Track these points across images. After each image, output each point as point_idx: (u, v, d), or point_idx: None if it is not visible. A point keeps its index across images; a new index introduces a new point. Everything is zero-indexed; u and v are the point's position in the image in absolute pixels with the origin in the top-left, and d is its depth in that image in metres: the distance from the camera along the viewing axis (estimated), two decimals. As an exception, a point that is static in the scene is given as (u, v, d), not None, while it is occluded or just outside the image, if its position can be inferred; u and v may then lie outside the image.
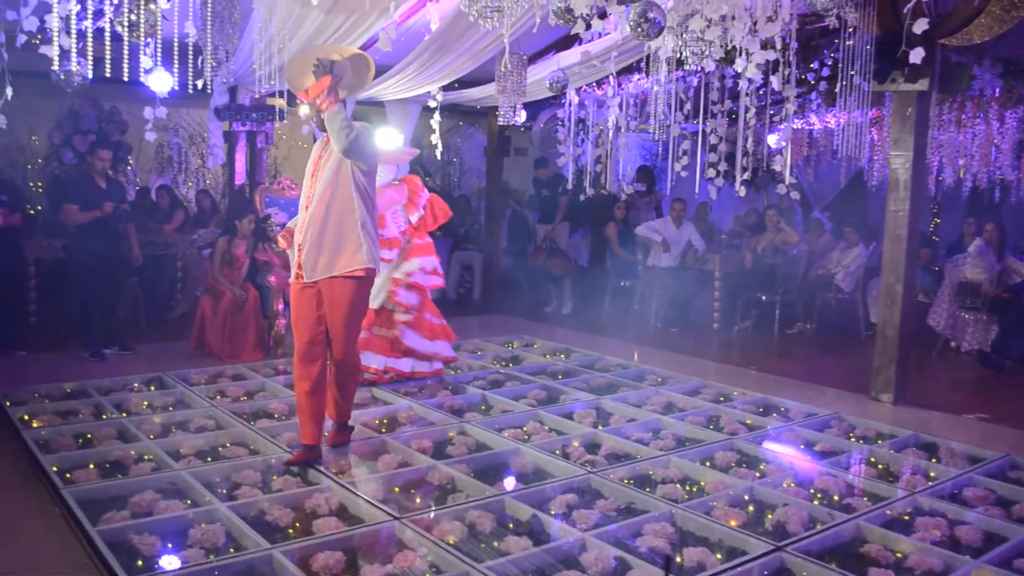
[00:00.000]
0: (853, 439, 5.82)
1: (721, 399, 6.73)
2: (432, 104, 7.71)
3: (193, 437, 5.28)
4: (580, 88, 9.19)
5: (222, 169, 10.58)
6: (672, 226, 10.22)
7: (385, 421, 5.87)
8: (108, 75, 4.97)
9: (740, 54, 5.53)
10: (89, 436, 5.28)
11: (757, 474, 4.99)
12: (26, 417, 5.59)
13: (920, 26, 5.45)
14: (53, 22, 4.42)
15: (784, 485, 4.80)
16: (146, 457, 4.93)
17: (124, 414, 5.77)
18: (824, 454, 5.46)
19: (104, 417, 5.71)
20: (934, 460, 5.43)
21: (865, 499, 4.67)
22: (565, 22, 5.04)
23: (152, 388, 6.51)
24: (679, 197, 10.28)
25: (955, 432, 6.04)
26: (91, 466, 4.78)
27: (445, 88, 8.41)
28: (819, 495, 4.72)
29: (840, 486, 4.80)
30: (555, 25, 4.74)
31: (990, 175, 9.93)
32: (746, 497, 4.61)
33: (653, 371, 7.55)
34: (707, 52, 5.21)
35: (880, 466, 5.29)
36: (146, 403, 6.04)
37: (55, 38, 4.45)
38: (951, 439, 5.79)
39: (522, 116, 7.51)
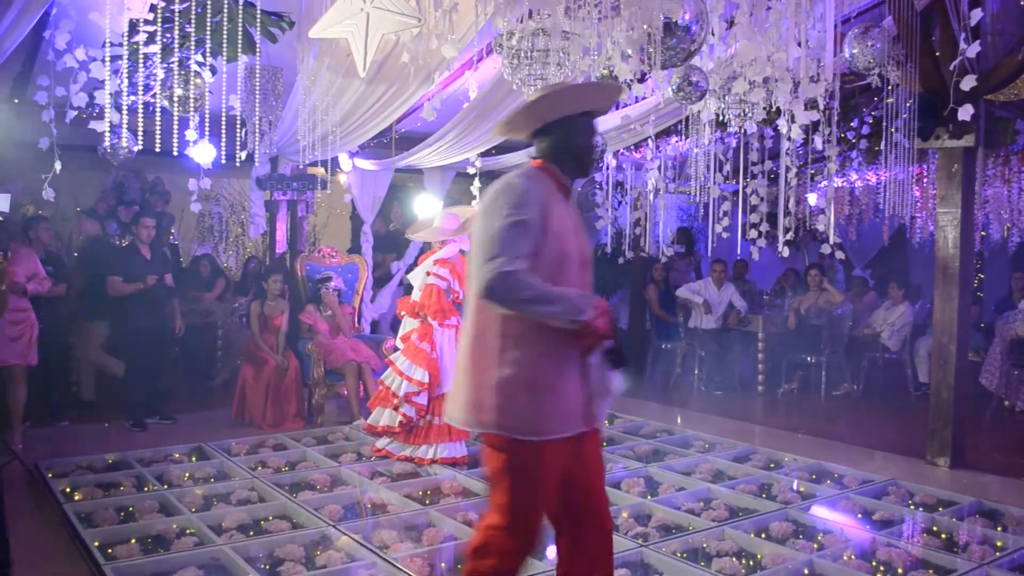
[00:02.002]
0: (912, 506, 5.61)
1: (772, 465, 6.54)
2: (471, 171, 7.74)
3: (235, 510, 5.20)
4: (618, 151, 9.19)
5: (263, 238, 10.68)
6: (713, 287, 10.11)
7: (429, 492, 5.76)
8: (156, 149, 5.04)
9: (782, 115, 5.50)
10: (131, 509, 5.23)
11: (815, 546, 4.80)
12: (68, 489, 5.56)
13: (968, 83, 5.40)
14: (104, 98, 4.49)
15: (844, 558, 4.62)
16: (188, 531, 4.86)
17: (166, 486, 5.72)
18: (883, 523, 5.26)
19: (146, 489, 5.66)
20: (999, 528, 5.21)
21: (930, 571, 4.47)
22: (607, 87, 5.05)
23: (193, 459, 6.47)
24: (719, 258, 10.19)
25: (1017, 497, 5.80)
26: (133, 540, 4.71)
27: (483, 154, 8.44)
28: (882, 568, 4.52)
29: (904, 557, 4.60)
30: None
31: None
32: (806, 571, 4.42)
33: (700, 436, 7.38)
34: (750, 114, 5.18)
35: (943, 536, 5.07)
36: (187, 474, 5.99)
37: (107, 113, 4.52)
38: (1014, 505, 5.56)
39: (561, 180, 7.48)
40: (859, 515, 5.38)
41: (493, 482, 2.99)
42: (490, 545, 2.94)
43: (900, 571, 4.48)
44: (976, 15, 5.46)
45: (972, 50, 5.49)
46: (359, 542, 4.68)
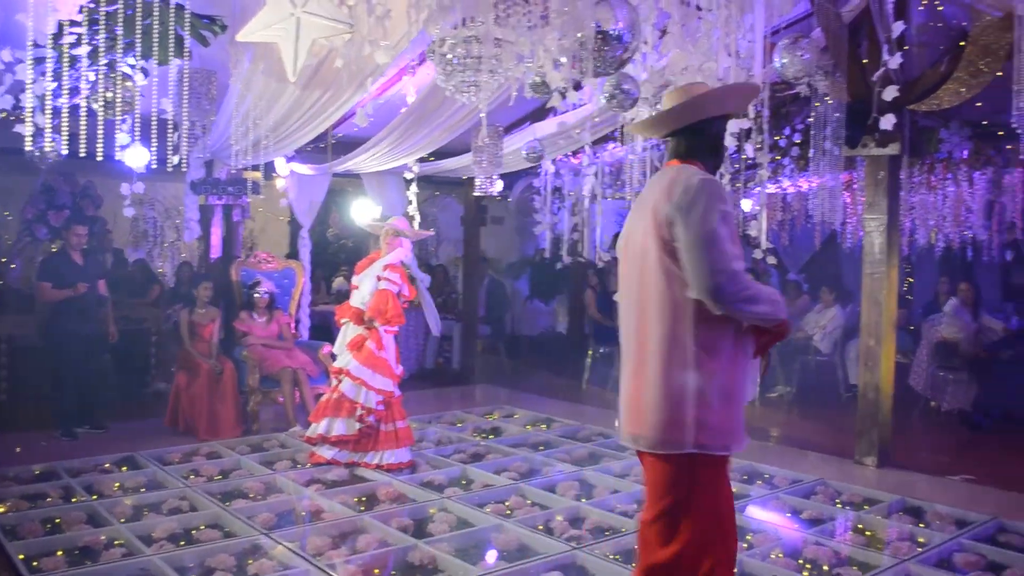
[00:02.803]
0: (840, 505, 5.74)
1: (705, 467, 6.64)
2: (408, 176, 7.74)
3: (166, 520, 5.12)
4: (556, 157, 9.26)
5: (198, 243, 10.52)
6: (650, 292, 10.21)
7: (364, 499, 5.73)
8: (83, 153, 4.94)
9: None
10: (58, 521, 5.12)
11: (745, 545, 4.89)
12: (-8, 502, 5.43)
13: (890, 93, 5.56)
14: (27, 100, 4.40)
15: (772, 556, 4.72)
16: (117, 542, 4.77)
17: (94, 496, 5.60)
18: (811, 522, 5.38)
19: (74, 500, 5.54)
20: (922, 525, 5.37)
21: (854, 568, 4.59)
22: (541, 95, 5.10)
23: (124, 468, 6.35)
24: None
25: (941, 495, 5.99)
26: (60, 553, 4.63)
27: (421, 159, 8.44)
28: (808, 565, 4.63)
29: (829, 555, 4.72)
30: (531, 97, 4.78)
31: (961, 235, 10.05)
32: (735, 570, 4.50)
33: (636, 439, 7.45)
34: (681, 122, 5.25)
35: (868, 533, 5.21)
36: (117, 484, 5.88)
37: (27, 116, 4.42)
38: (937, 502, 5.74)
39: (499, 186, 7.54)
40: (788, 514, 5.50)
41: (685, 505, 2.88)
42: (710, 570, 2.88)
43: (826, 568, 4.60)
44: (898, 27, 5.62)
45: (894, 61, 5.66)
46: (292, 550, 4.65)
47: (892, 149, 6.64)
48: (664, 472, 2.92)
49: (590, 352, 10.64)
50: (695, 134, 3.06)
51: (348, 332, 6.58)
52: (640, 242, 2.93)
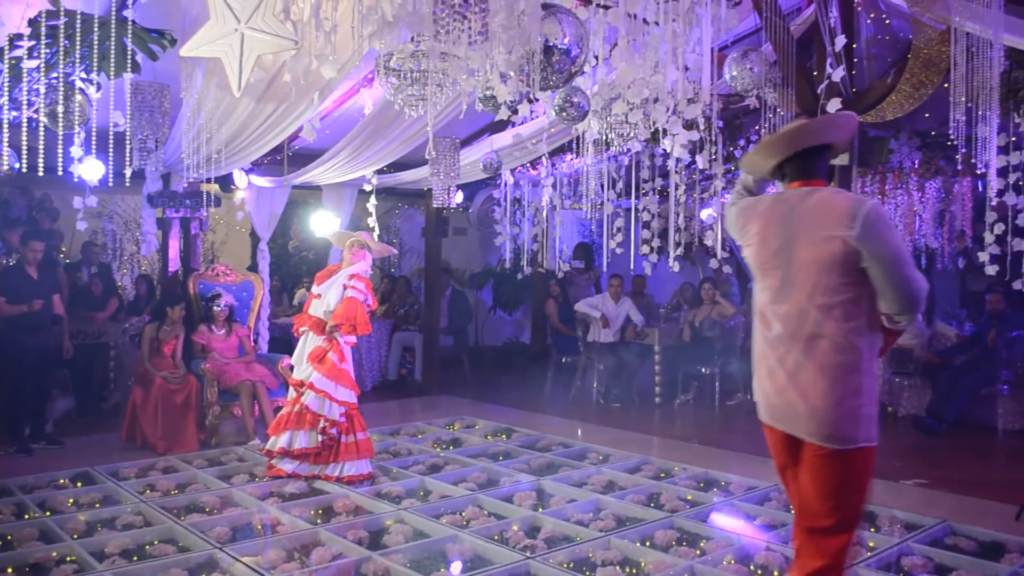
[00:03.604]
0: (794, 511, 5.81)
1: (662, 475, 6.71)
2: (367, 188, 7.75)
3: (119, 535, 5.08)
4: (515, 168, 9.32)
5: (157, 255, 10.46)
6: (610, 302, 10.30)
7: (320, 511, 5.73)
8: (40, 165, 4.91)
9: (665, 135, 5.68)
10: (9, 537, 5.07)
11: (697, 552, 4.96)
12: (-58, 520, 5.36)
13: (833, 105, 5.67)
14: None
15: (724, 563, 4.78)
16: (68, 558, 4.73)
17: (48, 513, 5.55)
18: (766, 528, 5.45)
19: (26, 516, 5.48)
20: (873, 529, 5.46)
21: (805, 573, 4.65)
22: (491, 109, 5.15)
23: (79, 484, 6.29)
24: (616, 273, 10.40)
25: (894, 499, 6.08)
26: (10, 570, 4.58)
27: (380, 172, 8.46)
28: (760, 571, 4.70)
29: (780, 560, 4.79)
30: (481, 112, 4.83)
31: (914, 243, 10.23)
32: (686, 576, 4.56)
33: (594, 449, 7.52)
34: (632, 134, 5.34)
35: (819, 538, 5.28)
36: (72, 500, 5.83)
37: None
38: (890, 506, 5.82)
39: (459, 197, 7.59)
40: (742, 521, 5.56)
41: (850, 491, 3.19)
42: (847, 551, 3.22)
43: (776, 574, 4.66)
44: (840, 41, 5.74)
45: (837, 74, 5.78)
46: (246, 564, 4.64)
47: (842, 160, 6.74)
48: (839, 467, 3.17)
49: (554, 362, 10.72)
50: (818, 157, 3.35)
51: (308, 342, 6.57)
52: (807, 256, 3.17)
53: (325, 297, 6.53)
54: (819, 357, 3.13)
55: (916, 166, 8.79)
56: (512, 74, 4.37)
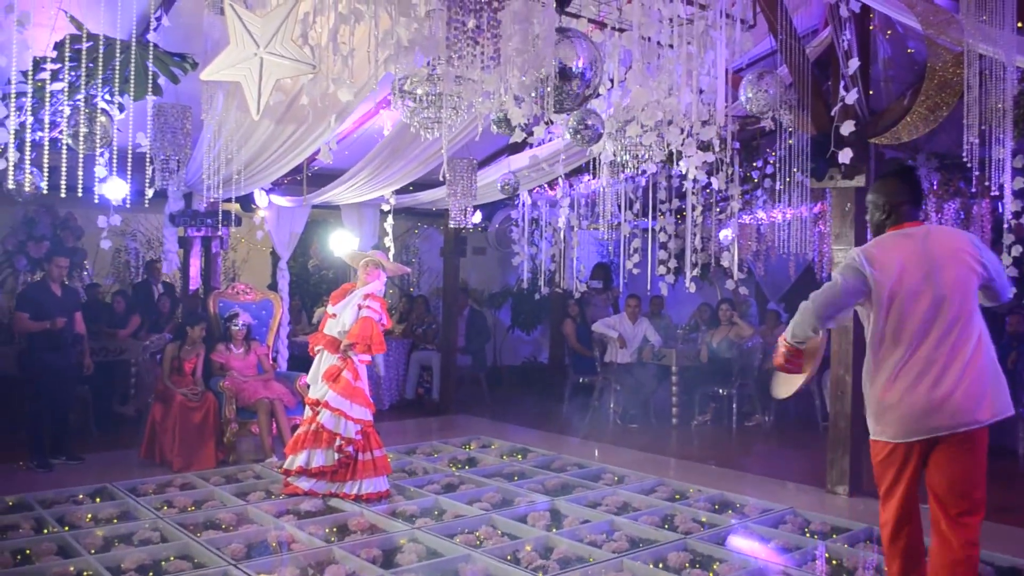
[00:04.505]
0: (808, 534, 5.79)
1: (677, 497, 6.69)
2: (385, 208, 7.83)
3: (135, 551, 5.13)
4: (533, 189, 9.38)
5: (178, 274, 10.57)
6: (628, 322, 10.31)
7: (335, 529, 5.76)
8: (63, 185, 5.01)
9: (681, 156, 5.72)
10: (28, 552, 5.13)
11: (710, 574, 4.94)
12: (-37, 534, 5.43)
13: (847, 128, 5.68)
14: (6, 135, 4.47)
15: (737, 585, 4.76)
16: (85, 573, 4.79)
17: (66, 528, 5.61)
18: (779, 551, 5.43)
19: (45, 531, 5.55)
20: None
21: (819, 597, 4.64)
22: (506, 131, 5.21)
23: (97, 500, 6.35)
24: (634, 293, 10.41)
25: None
26: (27, 585, 4.64)
27: (398, 192, 8.54)
28: (772, 594, 4.68)
29: (793, 584, 4.77)
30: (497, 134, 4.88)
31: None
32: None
33: (610, 469, 7.51)
34: (647, 156, 5.37)
35: (835, 562, 5.26)
36: (90, 516, 5.89)
37: (10, 151, 4.49)
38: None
39: (476, 217, 7.64)
40: (756, 544, 5.54)
41: (982, 466, 3.84)
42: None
43: (789, 597, 4.64)
44: (854, 64, 5.76)
45: (851, 97, 5.80)
46: (260, 581, 4.68)
47: (858, 181, 6.76)
48: (981, 442, 3.81)
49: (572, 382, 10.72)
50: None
51: (323, 361, 6.63)
52: (952, 276, 3.80)
53: (340, 317, 6.60)
54: (964, 351, 3.74)
55: (935, 187, 8.75)
56: (527, 97, 4.43)
